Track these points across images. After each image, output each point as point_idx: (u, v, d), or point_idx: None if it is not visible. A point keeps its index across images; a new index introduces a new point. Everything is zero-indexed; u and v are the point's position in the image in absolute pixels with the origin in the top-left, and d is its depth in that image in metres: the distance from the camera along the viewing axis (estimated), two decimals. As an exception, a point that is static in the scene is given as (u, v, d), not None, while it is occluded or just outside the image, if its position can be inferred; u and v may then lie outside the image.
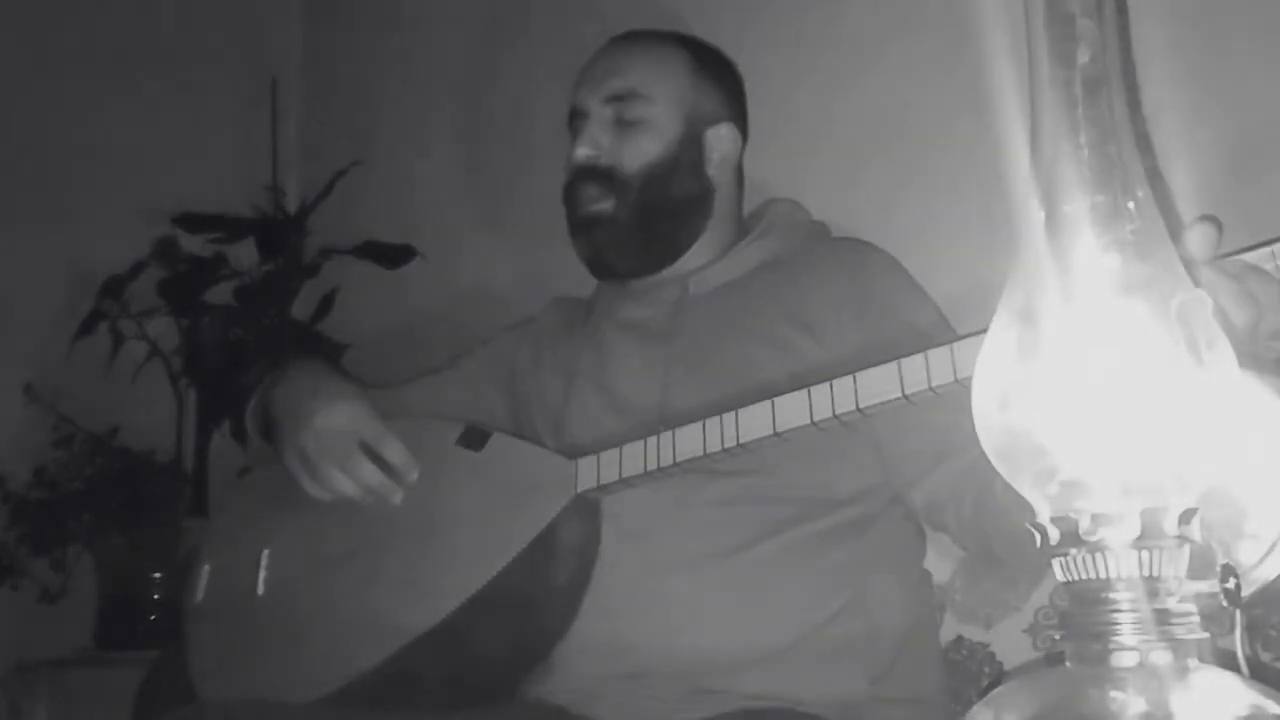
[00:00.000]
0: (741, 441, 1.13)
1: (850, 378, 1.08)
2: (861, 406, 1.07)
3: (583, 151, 1.38)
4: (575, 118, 1.41)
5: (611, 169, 1.37)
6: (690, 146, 1.39)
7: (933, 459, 1.22)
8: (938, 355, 1.03)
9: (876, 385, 1.06)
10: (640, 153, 1.37)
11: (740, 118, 1.45)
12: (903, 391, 1.04)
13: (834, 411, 1.08)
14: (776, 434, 1.11)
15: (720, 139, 1.42)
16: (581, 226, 1.39)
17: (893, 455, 1.26)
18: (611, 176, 1.36)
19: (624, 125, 1.38)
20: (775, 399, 1.12)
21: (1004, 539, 1.14)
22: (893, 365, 1.05)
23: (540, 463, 1.27)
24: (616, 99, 1.38)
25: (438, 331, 2.21)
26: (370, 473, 1.27)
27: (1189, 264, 0.74)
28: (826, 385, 1.09)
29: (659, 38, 1.45)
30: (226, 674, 1.31)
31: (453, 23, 2.42)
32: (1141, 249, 0.58)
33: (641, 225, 1.37)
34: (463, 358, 1.53)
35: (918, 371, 1.03)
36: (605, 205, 1.36)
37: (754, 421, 1.12)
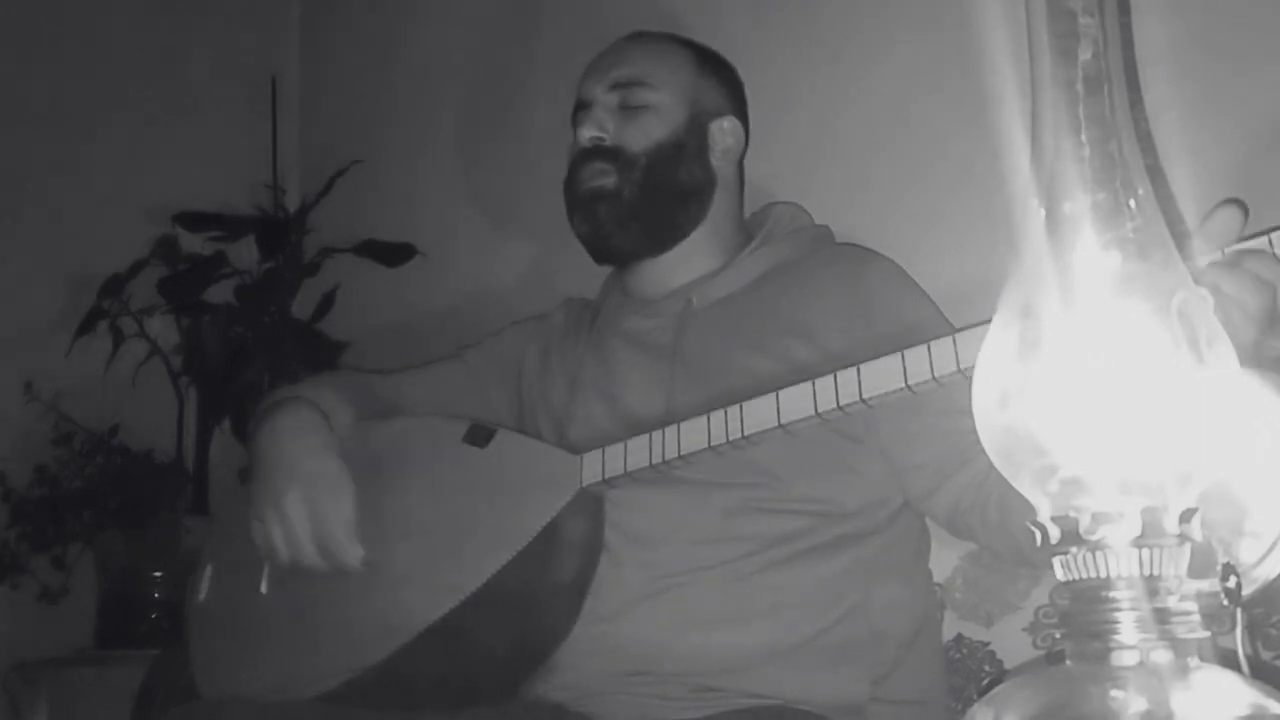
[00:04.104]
0: (746, 434, 1.12)
1: (854, 369, 1.08)
2: (865, 397, 1.07)
3: (588, 133, 1.38)
4: (579, 109, 1.42)
5: (618, 149, 1.37)
6: (695, 134, 1.40)
7: (951, 465, 1.21)
8: (940, 346, 1.03)
9: (880, 376, 1.06)
10: (646, 134, 1.37)
11: (743, 116, 1.46)
12: (906, 382, 1.04)
13: (838, 402, 1.08)
14: (781, 425, 1.11)
15: (724, 132, 1.42)
16: (583, 202, 1.38)
17: (906, 465, 1.26)
18: (617, 155, 1.37)
19: (629, 110, 1.38)
20: (780, 390, 1.11)
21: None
22: (896, 356, 1.05)
23: (544, 458, 1.26)
24: (621, 86, 1.39)
25: (438, 330, 2.21)
26: (313, 563, 1.26)
27: (1194, 254, 0.74)
28: (830, 377, 1.09)
29: (664, 36, 1.47)
30: (228, 671, 1.31)
31: (453, 20, 2.42)
32: (1142, 247, 0.58)
33: (644, 203, 1.36)
34: (467, 349, 1.53)
35: (920, 363, 1.04)
36: (609, 181, 1.36)
37: (758, 414, 1.12)
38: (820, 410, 1.09)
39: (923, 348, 1.04)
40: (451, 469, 1.29)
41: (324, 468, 1.29)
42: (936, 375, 1.03)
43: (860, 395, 1.07)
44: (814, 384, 1.10)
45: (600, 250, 1.41)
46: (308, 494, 1.26)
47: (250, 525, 1.30)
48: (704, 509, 1.23)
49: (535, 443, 1.32)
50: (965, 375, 1.00)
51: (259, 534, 1.29)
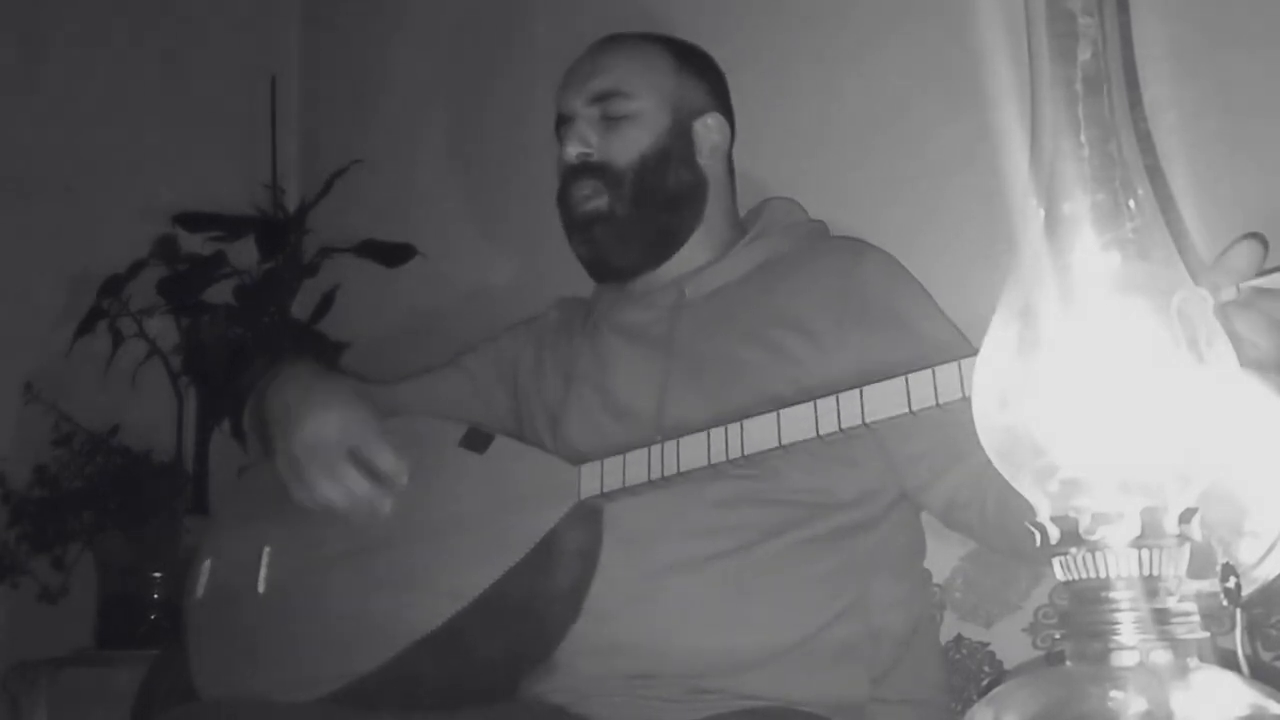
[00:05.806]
0: (746, 453, 1.12)
1: (857, 392, 1.07)
2: (868, 421, 1.07)
3: (573, 150, 1.39)
4: (561, 123, 1.42)
5: (604, 164, 1.37)
6: (680, 137, 1.39)
7: (947, 459, 1.21)
8: (945, 371, 1.02)
9: (883, 400, 1.06)
10: (630, 146, 1.37)
11: (726, 110, 1.46)
12: (910, 408, 1.04)
13: (840, 425, 1.08)
14: (781, 446, 1.11)
15: (709, 129, 1.42)
16: (580, 226, 1.38)
17: (902, 458, 1.25)
18: (605, 172, 1.37)
19: (611, 122, 1.38)
20: (781, 410, 1.11)
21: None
22: (900, 380, 1.05)
23: (543, 467, 1.26)
24: (601, 98, 1.39)
25: (437, 330, 2.21)
26: (356, 481, 1.25)
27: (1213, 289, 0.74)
28: (833, 399, 1.08)
29: (638, 38, 1.46)
30: (226, 672, 1.31)
31: (451, 22, 2.42)
32: (1142, 247, 0.58)
33: (639, 219, 1.36)
34: (465, 355, 1.53)
35: (925, 387, 1.03)
36: (601, 202, 1.36)
37: (759, 433, 1.12)
38: (822, 432, 1.09)
39: (927, 372, 1.04)
40: (449, 473, 1.28)
41: (335, 392, 1.30)
42: (941, 402, 1.02)
43: (863, 419, 1.07)
44: (816, 405, 1.09)
45: (601, 272, 1.41)
46: (327, 414, 1.26)
47: (280, 470, 1.28)
48: (697, 500, 1.23)
49: (534, 450, 1.32)
50: (970, 401, 1.00)
51: (286, 475, 1.27)
